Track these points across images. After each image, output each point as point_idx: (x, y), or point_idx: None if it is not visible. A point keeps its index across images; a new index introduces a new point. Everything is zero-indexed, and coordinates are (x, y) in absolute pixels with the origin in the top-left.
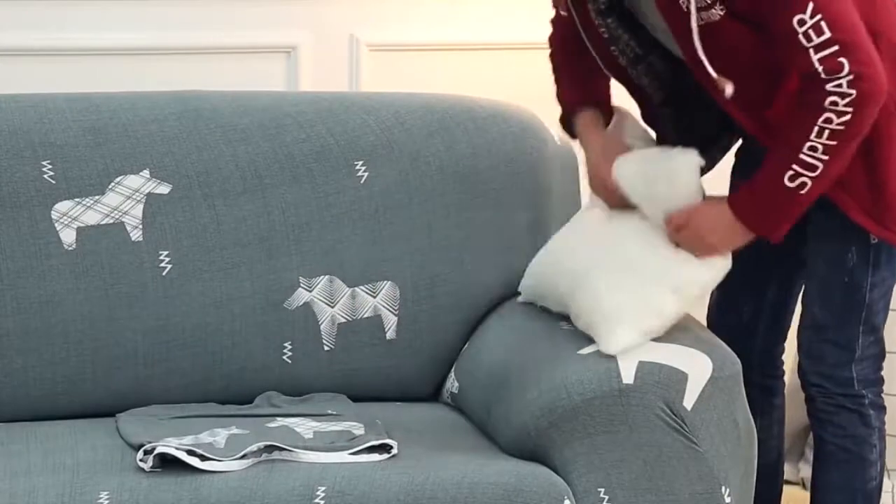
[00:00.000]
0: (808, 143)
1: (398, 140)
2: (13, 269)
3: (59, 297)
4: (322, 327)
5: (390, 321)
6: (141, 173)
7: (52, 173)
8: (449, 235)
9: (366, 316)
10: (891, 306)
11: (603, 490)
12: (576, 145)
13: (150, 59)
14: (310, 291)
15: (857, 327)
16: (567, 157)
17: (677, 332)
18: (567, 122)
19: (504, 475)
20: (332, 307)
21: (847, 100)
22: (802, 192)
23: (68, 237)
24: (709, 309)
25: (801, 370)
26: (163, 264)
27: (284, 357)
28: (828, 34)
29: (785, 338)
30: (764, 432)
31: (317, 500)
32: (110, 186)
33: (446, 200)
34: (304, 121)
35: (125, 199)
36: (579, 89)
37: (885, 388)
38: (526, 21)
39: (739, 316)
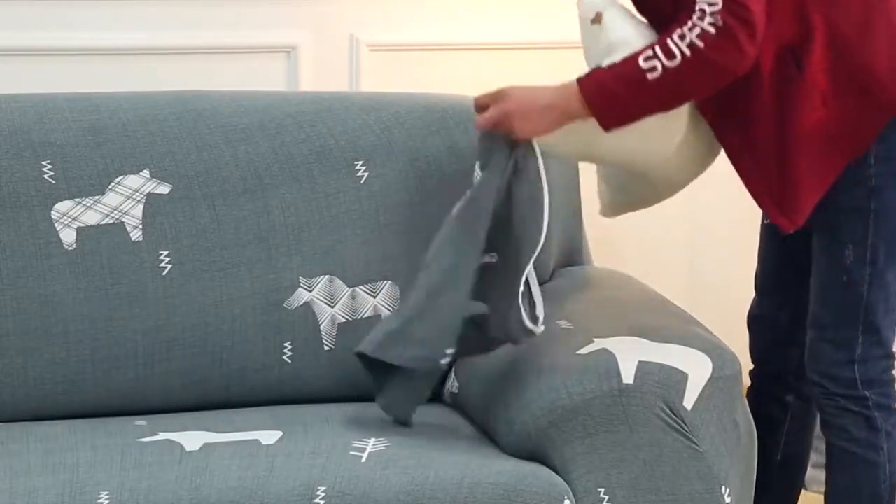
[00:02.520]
0: (679, 31)
1: (398, 140)
2: (13, 269)
3: (59, 297)
4: (322, 327)
5: None
6: (141, 173)
7: (52, 173)
8: None
9: (366, 316)
10: None
11: (603, 490)
12: None
13: (150, 59)
14: (310, 291)
15: (857, 327)
16: None
17: (677, 331)
18: None
19: (504, 475)
20: (332, 307)
21: (714, 8)
22: (650, 76)
23: (68, 237)
24: (749, 313)
25: (807, 369)
26: (163, 264)
27: (284, 357)
28: None
29: None
30: (794, 435)
31: (317, 500)
32: (110, 186)
33: (446, 200)
34: (304, 121)
35: (125, 199)
36: None
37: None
38: (526, 21)
39: (778, 320)
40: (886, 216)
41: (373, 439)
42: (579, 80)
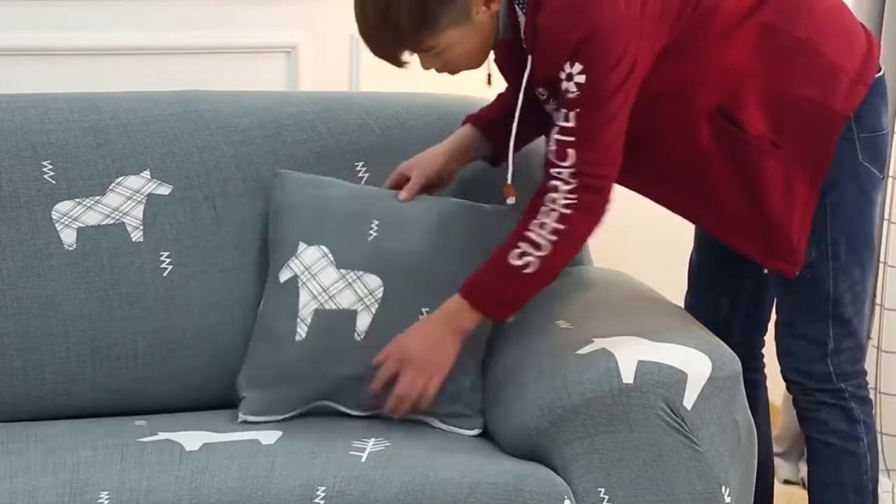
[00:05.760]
0: (537, 220)
1: (398, 140)
2: (13, 269)
3: (60, 298)
4: None
5: None
6: (142, 174)
7: (52, 173)
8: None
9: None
10: (888, 305)
11: (603, 490)
12: None
13: (150, 59)
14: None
15: (826, 321)
16: None
17: (676, 331)
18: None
19: (504, 475)
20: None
21: (570, 186)
22: (527, 271)
23: (69, 237)
24: (685, 307)
25: (781, 368)
26: (163, 265)
27: None
28: (572, 124)
29: (765, 330)
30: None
31: (317, 500)
32: (111, 187)
33: (446, 200)
34: (305, 121)
35: (126, 200)
36: (499, 118)
37: (884, 387)
38: None
39: (717, 311)
40: (843, 210)
41: (373, 439)
42: (462, 293)
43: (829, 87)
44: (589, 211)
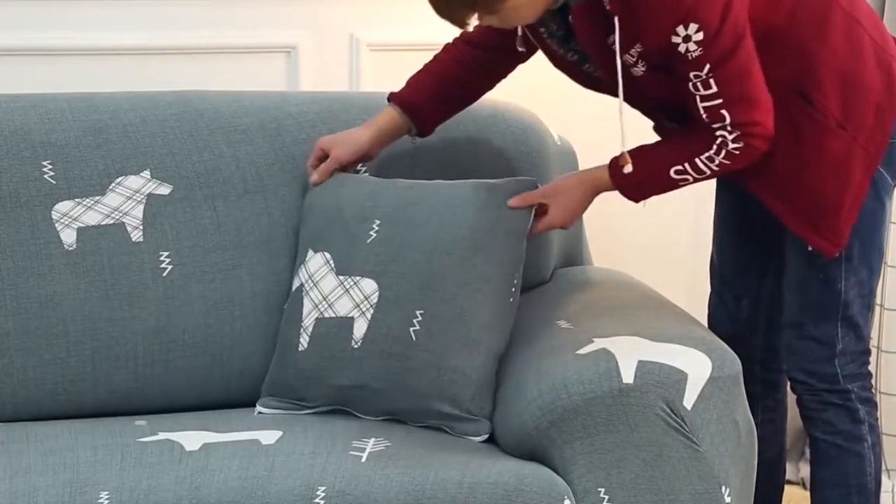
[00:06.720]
0: (707, 154)
1: (398, 140)
2: (13, 269)
3: (60, 297)
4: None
5: None
6: (142, 174)
7: (52, 173)
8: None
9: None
10: (888, 305)
11: (603, 490)
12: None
13: (150, 59)
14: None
15: (836, 323)
16: (567, 156)
17: (676, 331)
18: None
19: (504, 475)
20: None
21: (734, 135)
22: (680, 183)
23: (69, 237)
24: (709, 306)
25: (787, 368)
26: (163, 265)
27: None
28: (714, 89)
29: None
30: (766, 428)
31: (317, 500)
32: (111, 187)
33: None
34: (305, 121)
35: (126, 200)
36: (425, 100)
37: (885, 387)
38: None
39: (738, 311)
40: (860, 214)
41: (373, 439)
42: (613, 176)
43: (890, 80)
44: (754, 149)
